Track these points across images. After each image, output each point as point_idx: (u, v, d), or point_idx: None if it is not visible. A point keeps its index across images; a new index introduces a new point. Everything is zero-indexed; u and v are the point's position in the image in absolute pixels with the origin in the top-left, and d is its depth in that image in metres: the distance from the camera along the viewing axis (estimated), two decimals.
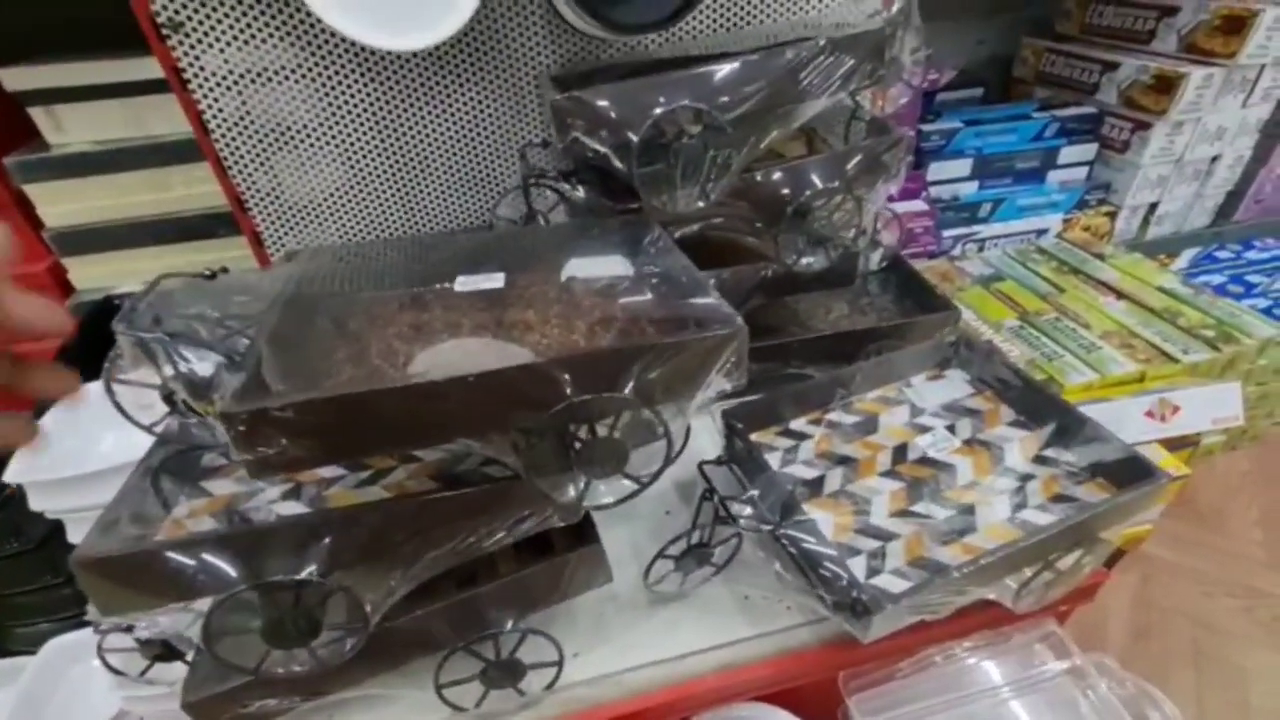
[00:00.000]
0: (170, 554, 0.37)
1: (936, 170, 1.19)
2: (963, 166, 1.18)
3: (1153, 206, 1.26)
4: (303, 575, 0.39)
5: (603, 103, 0.52)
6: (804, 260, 0.64)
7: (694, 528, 0.52)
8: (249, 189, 0.73)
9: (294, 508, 0.47)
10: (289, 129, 0.70)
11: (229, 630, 0.39)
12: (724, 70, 0.53)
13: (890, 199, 0.67)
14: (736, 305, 0.61)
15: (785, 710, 0.56)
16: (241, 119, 0.68)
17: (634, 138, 0.52)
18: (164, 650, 0.46)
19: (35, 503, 0.57)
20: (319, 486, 0.49)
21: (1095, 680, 0.57)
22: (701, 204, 0.57)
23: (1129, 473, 0.54)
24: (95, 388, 0.67)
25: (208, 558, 0.37)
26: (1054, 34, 1.33)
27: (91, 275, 0.92)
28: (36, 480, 0.56)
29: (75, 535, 0.61)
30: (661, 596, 0.56)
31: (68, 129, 0.86)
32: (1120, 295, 1.05)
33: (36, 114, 0.85)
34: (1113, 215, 1.24)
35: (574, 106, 0.52)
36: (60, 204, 0.87)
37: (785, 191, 0.60)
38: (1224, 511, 1.07)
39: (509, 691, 0.49)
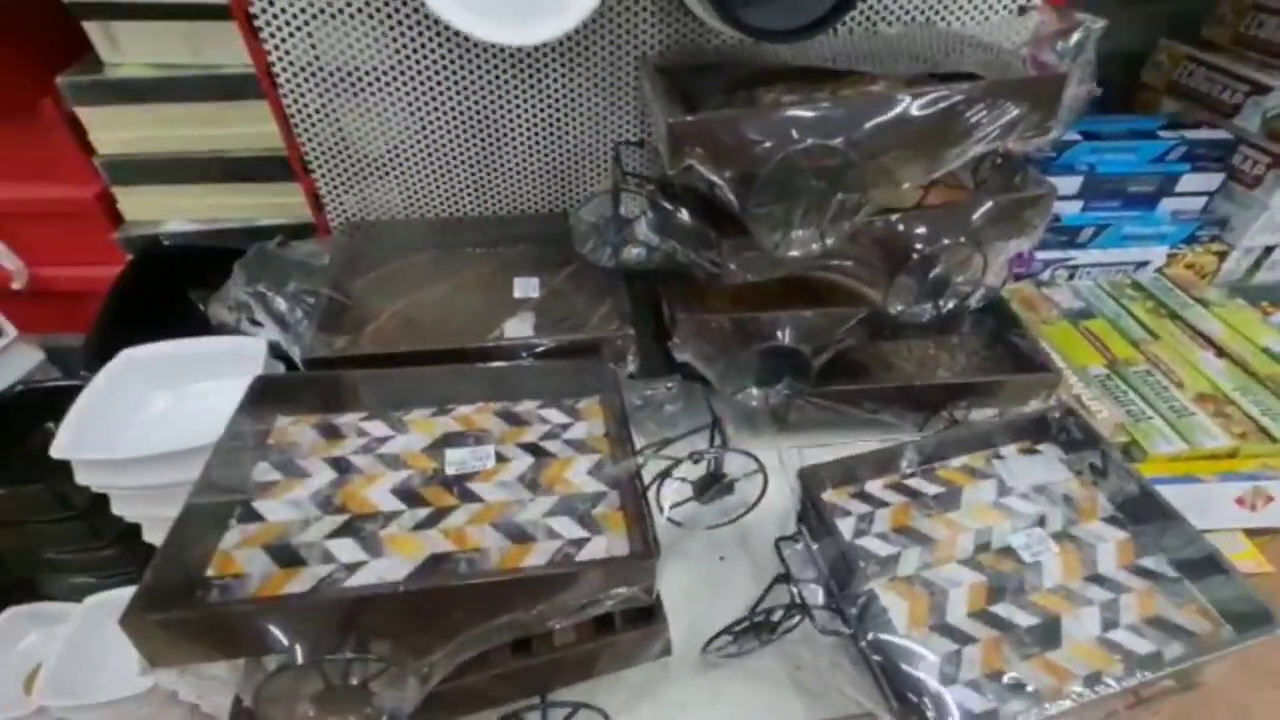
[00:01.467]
0: (223, 617, 0.34)
1: None
2: (1071, 184, 1.08)
3: (1268, 250, 1.15)
4: (355, 650, 0.37)
5: (727, 132, 0.45)
6: (912, 312, 0.58)
7: (760, 611, 0.49)
8: (311, 142, 0.67)
9: (348, 545, 0.44)
10: (359, 77, 0.63)
11: (279, 696, 0.37)
12: (868, 110, 0.45)
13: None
14: (823, 348, 0.55)
15: None
16: (310, 64, 0.62)
17: (757, 173, 0.45)
18: None
19: (81, 477, 0.56)
20: (375, 524, 0.46)
21: None
22: (817, 249, 0.50)
23: (1242, 612, 0.49)
24: (143, 352, 0.64)
25: (261, 623, 0.35)
26: (1199, 40, 1.18)
27: (141, 206, 0.88)
28: (83, 459, 0.54)
29: (119, 508, 0.59)
30: (709, 659, 0.54)
31: (124, 48, 0.79)
32: (1221, 352, 0.97)
33: (92, 29, 0.78)
34: (1222, 255, 1.14)
35: (694, 132, 0.45)
36: (113, 130, 0.82)
37: (909, 240, 0.53)
38: None
39: None
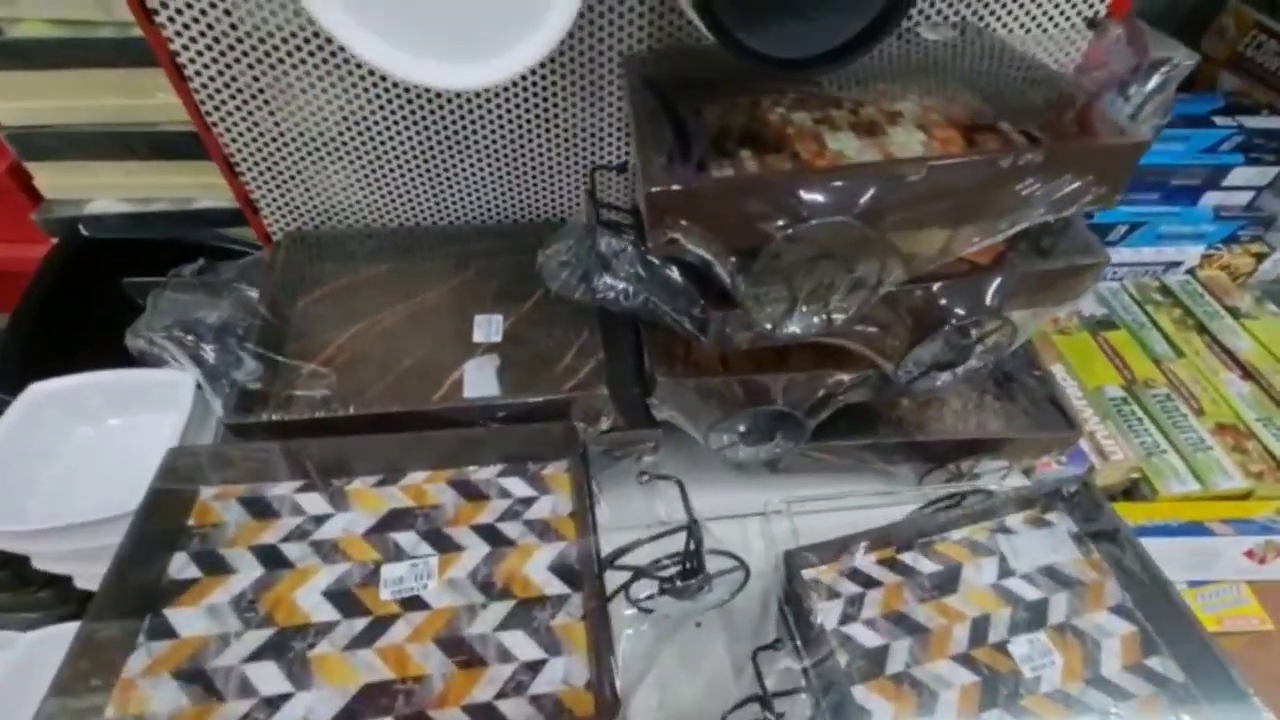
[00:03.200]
0: None
1: None
2: None
3: None
4: None
5: (717, 205, 0.36)
6: (925, 383, 0.51)
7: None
8: (234, 136, 0.57)
9: (271, 672, 0.39)
10: (288, 51, 0.53)
11: None
12: (896, 175, 0.37)
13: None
14: (815, 410, 0.50)
15: None
16: (224, 36, 0.51)
17: (755, 250, 0.37)
18: None
19: None
20: (304, 640, 0.41)
21: None
22: (821, 329, 0.43)
23: None
24: (55, 386, 0.57)
25: None
26: (1274, 6, 1.03)
27: (60, 185, 0.78)
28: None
29: (40, 564, 0.54)
30: None
31: (20, 3, 0.67)
32: (1247, 374, 0.91)
33: None
34: (1261, 257, 1.05)
35: (677, 203, 0.37)
36: (13, 99, 0.71)
37: (932, 312, 0.46)
38: None
39: None
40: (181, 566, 0.44)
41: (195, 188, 0.78)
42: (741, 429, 0.56)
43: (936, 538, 0.57)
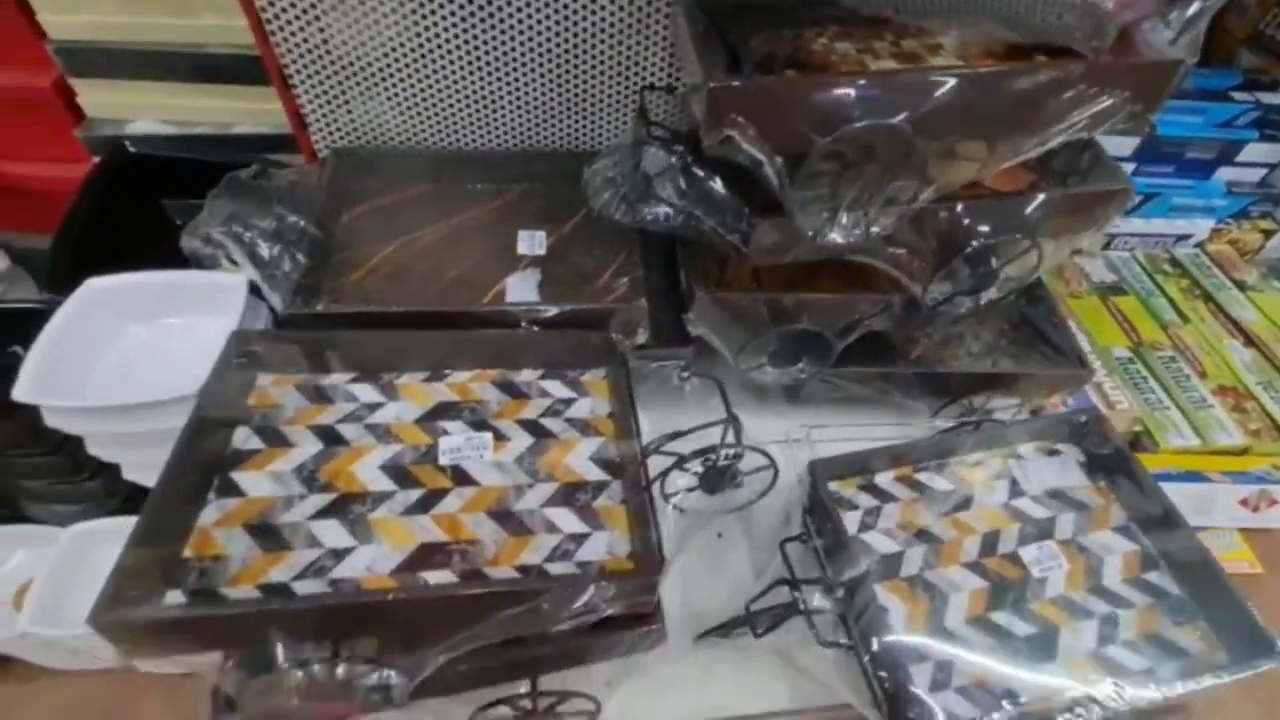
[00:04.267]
0: (197, 620, 0.32)
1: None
2: (1127, 144, 0.99)
3: None
4: (339, 648, 0.35)
5: (777, 102, 0.38)
6: (950, 304, 0.53)
7: (759, 611, 0.48)
8: (292, 50, 0.59)
9: (334, 528, 0.42)
10: None
11: (261, 694, 0.36)
12: (941, 85, 0.39)
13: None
14: (843, 333, 0.52)
15: None
16: None
17: (805, 152, 0.39)
18: None
19: (50, 420, 0.52)
20: (364, 505, 0.43)
21: None
22: (862, 238, 0.45)
23: (1243, 636, 0.49)
24: (110, 282, 0.59)
25: (239, 624, 0.33)
26: None
27: (103, 103, 0.80)
28: (49, 405, 0.50)
29: (94, 449, 0.57)
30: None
31: None
32: (1250, 341, 0.93)
33: None
34: (1269, 234, 1.07)
35: (738, 99, 0.39)
36: (64, 12, 0.72)
37: (962, 230, 0.48)
38: None
39: None
40: (245, 438, 0.46)
41: (236, 112, 0.80)
42: (771, 349, 0.58)
43: (952, 460, 0.60)
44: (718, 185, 0.47)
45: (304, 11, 0.58)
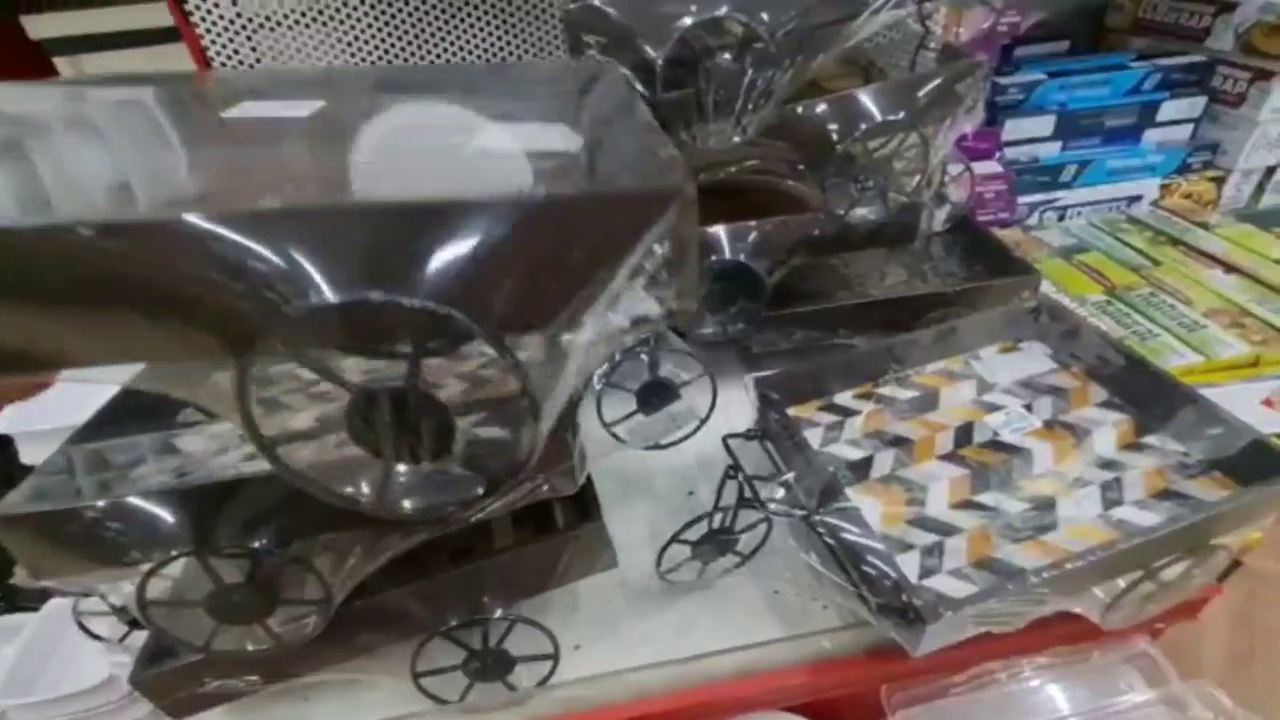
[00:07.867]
0: (95, 514, 0.32)
1: (1013, 129, 1.05)
2: (1044, 124, 1.05)
3: (1270, 171, 1.10)
4: (251, 543, 0.34)
5: (619, 12, 0.44)
6: (856, 211, 0.55)
7: (715, 510, 0.45)
8: None
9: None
10: None
11: (171, 601, 0.34)
12: None
13: (963, 140, 0.57)
14: (776, 264, 0.52)
15: None
16: None
17: (657, 57, 0.44)
18: None
19: (26, 455, 0.55)
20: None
21: (1199, 713, 0.47)
22: (737, 139, 0.49)
23: (1256, 465, 0.44)
24: None
25: (138, 518, 0.32)
26: None
27: None
28: (26, 431, 0.53)
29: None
30: (678, 587, 0.49)
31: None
32: (1230, 269, 0.91)
33: (62, 65, 0.83)
34: (1219, 181, 1.09)
35: (586, 17, 0.45)
36: None
37: (835, 127, 0.52)
38: None
39: (498, 685, 0.43)
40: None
41: None
42: (702, 293, 0.60)
43: (911, 371, 0.58)
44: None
45: None
